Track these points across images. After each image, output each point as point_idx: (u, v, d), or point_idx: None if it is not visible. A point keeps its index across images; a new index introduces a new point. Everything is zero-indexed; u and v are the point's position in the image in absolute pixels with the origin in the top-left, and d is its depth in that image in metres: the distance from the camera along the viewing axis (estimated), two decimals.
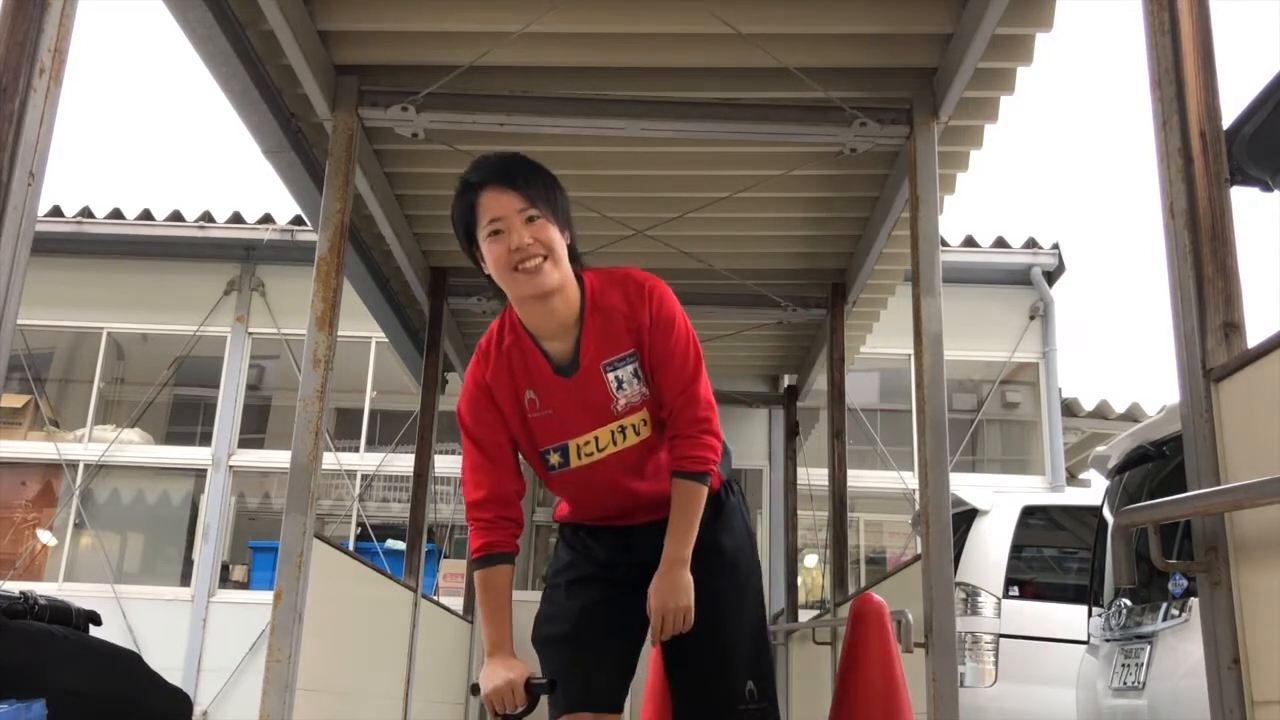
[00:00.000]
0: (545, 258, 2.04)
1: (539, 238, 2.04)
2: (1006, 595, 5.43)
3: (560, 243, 2.08)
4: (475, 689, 2.09)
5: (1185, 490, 1.71)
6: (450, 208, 2.14)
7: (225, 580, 8.96)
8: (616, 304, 2.12)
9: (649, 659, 2.49)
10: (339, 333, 3.74)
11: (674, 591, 2.08)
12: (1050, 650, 5.27)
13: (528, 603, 2.39)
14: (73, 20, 2.04)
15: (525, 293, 2.07)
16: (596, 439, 2.13)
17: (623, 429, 2.14)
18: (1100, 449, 4.65)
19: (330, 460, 7.75)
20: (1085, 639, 4.66)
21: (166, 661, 7.06)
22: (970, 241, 9.17)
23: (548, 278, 2.05)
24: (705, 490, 2.14)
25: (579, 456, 2.15)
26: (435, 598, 6.13)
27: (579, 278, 2.15)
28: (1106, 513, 4.56)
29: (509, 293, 2.12)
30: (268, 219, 9.27)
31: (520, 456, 2.22)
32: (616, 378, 2.12)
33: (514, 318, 2.16)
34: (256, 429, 9.70)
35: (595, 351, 2.11)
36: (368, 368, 9.17)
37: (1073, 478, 9.58)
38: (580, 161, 4.64)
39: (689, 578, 2.10)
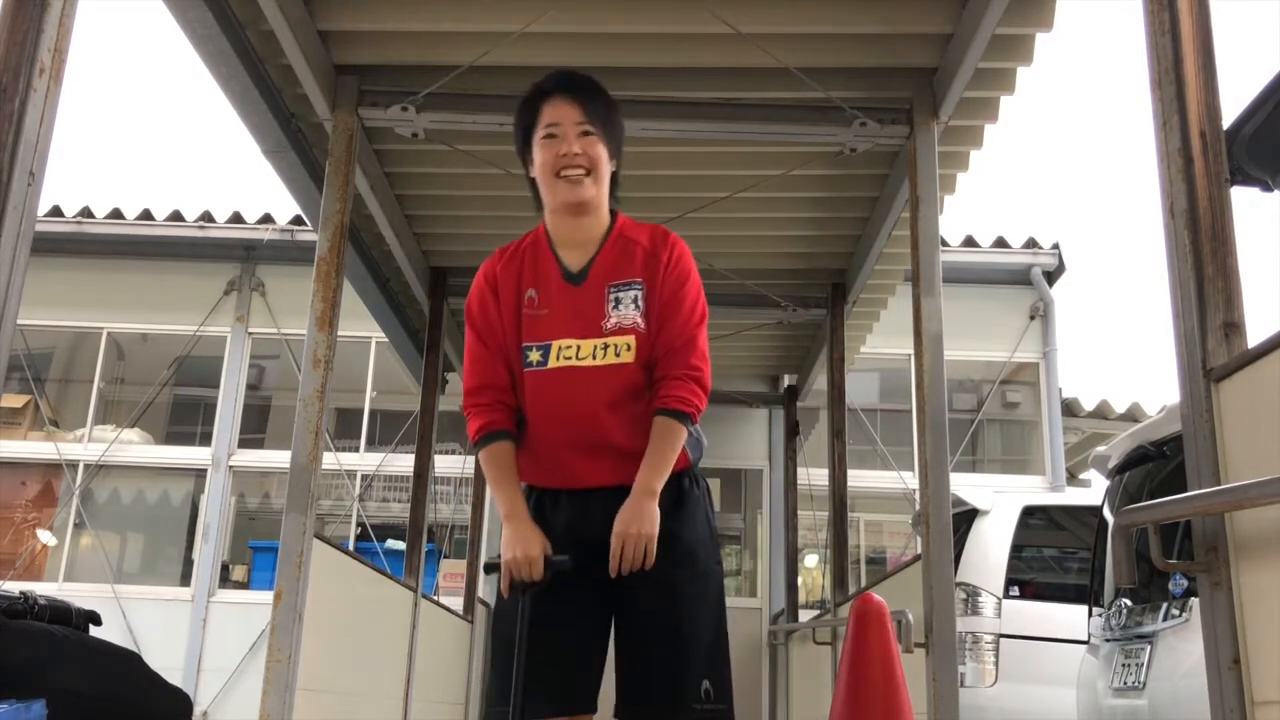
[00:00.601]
0: (588, 172, 2.19)
1: (587, 151, 2.19)
2: (1006, 595, 5.43)
3: (605, 163, 2.22)
4: (489, 567, 2.12)
5: (1185, 490, 1.71)
6: (514, 115, 2.30)
7: (225, 580, 8.96)
8: (640, 239, 2.25)
9: None
10: (339, 333, 3.74)
11: (638, 518, 2.06)
12: (1050, 650, 5.27)
13: None
14: (73, 20, 2.04)
15: (562, 198, 2.19)
16: (579, 347, 2.17)
17: (605, 346, 2.17)
18: (1100, 449, 4.65)
19: (330, 460, 7.75)
20: (1085, 639, 4.66)
21: (166, 661, 7.05)
22: (970, 241, 9.17)
23: (585, 190, 2.19)
24: (684, 433, 2.15)
25: (558, 358, 2.17)
26: (435, 598, 6.13)
27: (613, 212, 2.29)
28: (1106, 513, 4.56)
29: (546, 198, 2.24)
30: (268, 219, 9.27)
31: None
32: (616, 298, 2.20)
33: (541, 228, 2.29)
34: (256, 429, 9.69)
35: (606, 271, 2.21)
36: (368, 368, 9.17)
37: (1073, 478, 9.58)
38: None
39: (655, 509, 2.08)
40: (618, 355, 2.16)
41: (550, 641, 2.07)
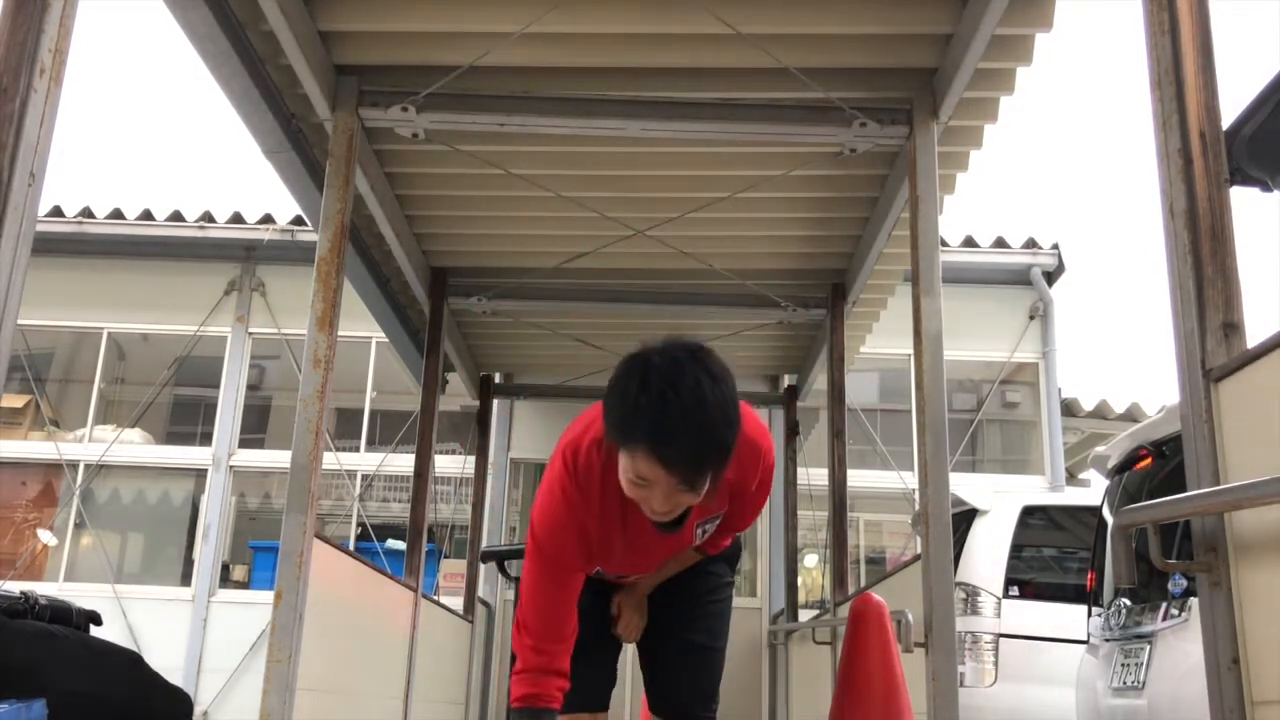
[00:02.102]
0: (676, 509, 1.91)
1: (682, 503, 1.87)
2: (1006, 595, 5.43)
3: (703, 494, 1.86)
4: (485, 556, 2.29)
5: (1185, 490, 1.72)
6: (610, 387, 1.85)
7: (225, 580, 8.96)
8: (728, 475, 1.97)
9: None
10: (339, 333, 3.74)
11: (640, 608, 2.30)
12: (1050, 650, 5.27)
13: None
14: (73, 20, 2.04)
15: (647, 516, 1.93)
16: (661, 567, 2.30)
17: (679, 558, 2.30)
18: (1100, 449, 4.65)
19: (330, 460, 7.75)
20: (1085, 639, 4.66)
21: (166, 661, 7.06)
22: (970, 241, 9.17)
23: (671, 518, 1.93)
24: (699, 559, 2.34)
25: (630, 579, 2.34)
26: (435, 598, 6.13)
27: None
28: (1106, 513, 4.56)
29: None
30: (268, 219, 9.27)
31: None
32: (703, 530, 2.17)
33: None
34: (257, 429, 9.69)
35: (695, 515, 2.06)
36: (368, 368, 9.17)
37: (1072, 478, 9.58)
38: (580, 161, 4.64)
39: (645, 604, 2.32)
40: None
41: (586, 651, 2.20)
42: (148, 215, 9.33)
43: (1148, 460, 4.13)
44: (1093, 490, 7.10)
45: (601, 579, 2.31)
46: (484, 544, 7.04)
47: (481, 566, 6.77)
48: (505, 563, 3.98)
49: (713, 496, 1.92)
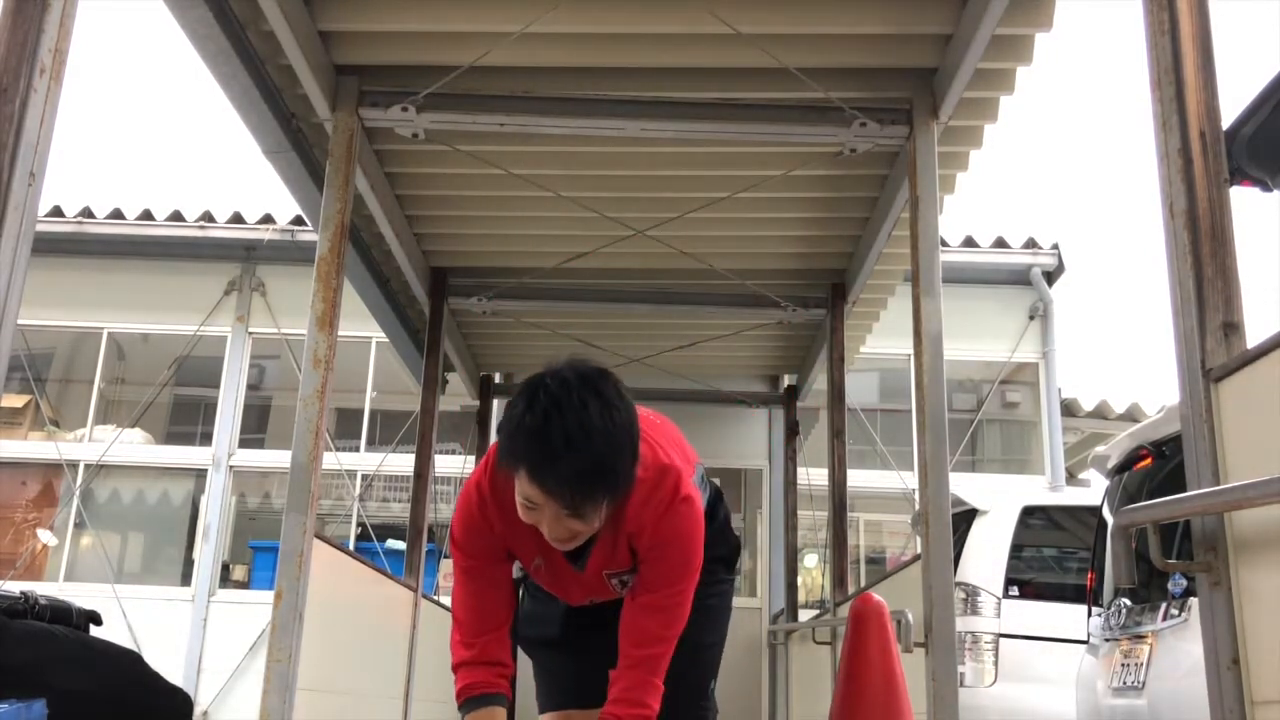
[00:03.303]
0: (574, 537, 1.87)
1: (573, 528, 1.83)
2: (1006, 595, 5.43)
3: (598, 521, 1.84)
4: None
5: (1185, 490, 1.72)
6: (506, 409, 1.87)
7: (225, 580, 8.97)
8: (628, 523, 1.96)
9: None
10: (339, 333, 3.74)
11: None
12: (1050, 650, 5.27)
13: None
14: (73, 20, 2.04)
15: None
16: (591, 601, 2.20)
17: (611, 600, 2.18)
18: (1100, 449, 4.65)
19: (330, 460, 7.75)
20: (1085, 639, 4.66)
21: (166, 661, 7.05)
22: (970, 241, 9.17)
23: (570, 547, 1.91)
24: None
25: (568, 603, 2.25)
26: (435, 598, 6.13)
27: None
28: (1106, 513, 4.56)
29: None
30: (268, 219, 9.28)
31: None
32: (620, 581, 2.09)
33: None
34: (257, 429, 9.70)
35: (600, 563, 2.05)
36: (368, 368, 9.17)
37: (1072, 478, 9.58)
38: (580, 161, 4.64)
39: None
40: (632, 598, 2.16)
41: (583, 647, 2.22)
42: (148, 215, 9.33)
43: (1148, 460, 4.13)
44: (1093, 490, 7.09)
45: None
46: None
47: None
48: None
49: (613, 543, 1.95)
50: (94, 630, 2.92)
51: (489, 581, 2.05)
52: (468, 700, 2.00)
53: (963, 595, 5.40)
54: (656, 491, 1.94)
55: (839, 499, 5.67)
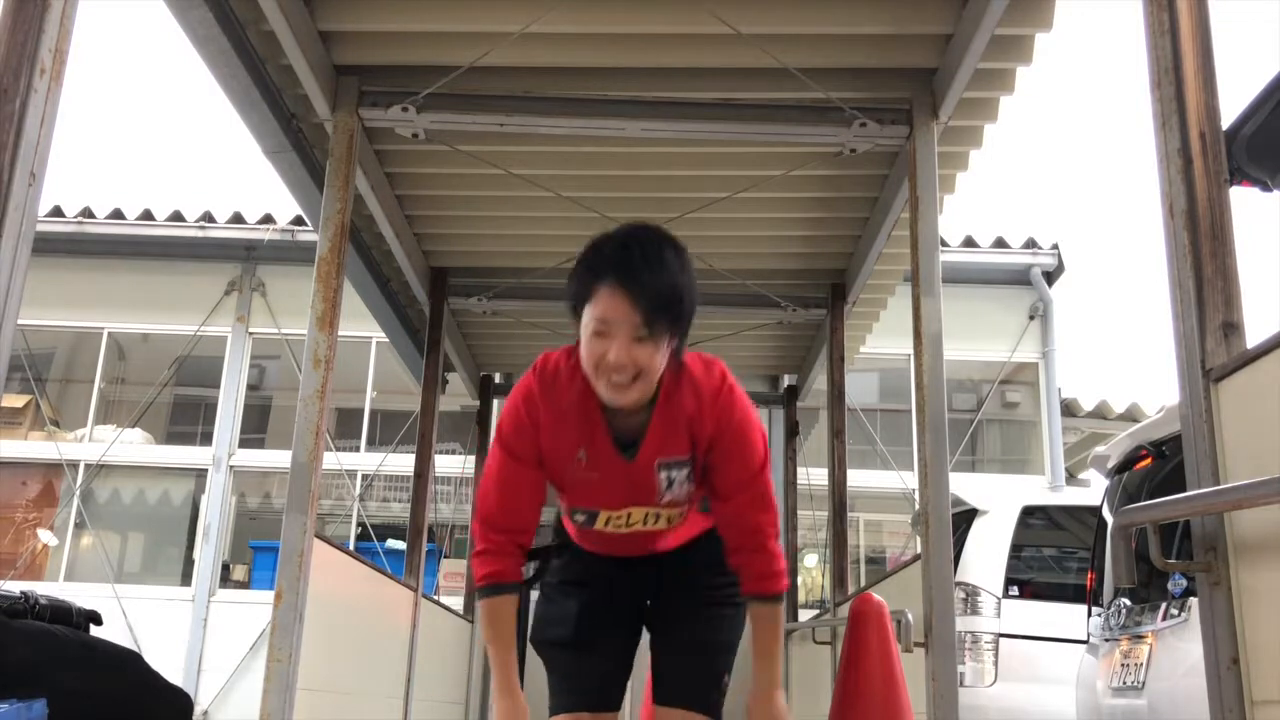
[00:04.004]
0: (636, 378, 1.91)
1: (638, 360, 1.88)
2: (1006, 595, 5.43)
3: (660, 362, 1.92)
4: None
5: (1184, 490, 1.72)
6: (573, 267, 1.97)
7: (225, 580, 8.97)
8: (686, 404, 2.01)
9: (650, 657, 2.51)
10: (339, 333, 3.74)
11: (774, 713, 2.12)
12: (1050, 650, 5.27)
13: None
14: (73, 20, 2.04)
15: (603, 398, 1.96)
16: (629, 515, 2.10)
17: (658, 515, 2.11)
18: (1100, 449, 4.65)
19: (330, 460, 7.75)
20: (1085, 639, 4.66)
21: (166, 661, 7.06)
22: (970, 241, 9.17)
23: (628, 396, 1.93)
24: (784, 609, 2.17)
25: (606, 524, 2.12)
26: (435, 598, 6.13)
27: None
28: (1106, 513, 4.56)
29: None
30: (268, 219, 9.28)
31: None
32: (669, 477, 2.05)
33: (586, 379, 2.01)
34: (257, 429, 9.70)
35: (655, 448, 2.03)
36: (368, 368, 9.17)
37: (1072, 478, 9.58)
38: (580, 161, 4.64)
39: (783, 703, 2.15)
40: (669, 523, 2.14)
41: (599, 649, 2.20)
42: (148, 215, 9.34)
43: (1148, 460, 4.13)
44: (1093, 490, 7.10)
45: (609, 553, 2.24)
46: None
47: None
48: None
49: (668, 428, 1.99)
50: (94, 630, 2.92)
51: (524, 483, 2.07)
52: (488, 587, 2.07)
53: (963, 595, 5.40)
54: (709, 376, 2.03)
55: (839, 499, 5.67)
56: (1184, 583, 3.53)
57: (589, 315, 1.90)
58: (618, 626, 2.26)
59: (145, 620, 8.51)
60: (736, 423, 2.02)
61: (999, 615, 5.39)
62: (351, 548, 8.04)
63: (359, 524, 9.02)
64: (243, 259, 9.31)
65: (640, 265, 1.88)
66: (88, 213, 9.28)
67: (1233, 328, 1.71)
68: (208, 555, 8.79)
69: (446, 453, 9.08)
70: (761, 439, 2.07)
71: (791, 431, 7.31)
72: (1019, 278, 9.18)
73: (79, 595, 3.62)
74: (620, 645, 2.25)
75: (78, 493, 8.99)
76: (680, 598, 2.25)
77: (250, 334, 9.25)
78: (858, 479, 7.03)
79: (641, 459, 2.02)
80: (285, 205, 9.13)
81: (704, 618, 2.22)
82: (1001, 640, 5.34)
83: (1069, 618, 5.24)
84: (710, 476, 2.06)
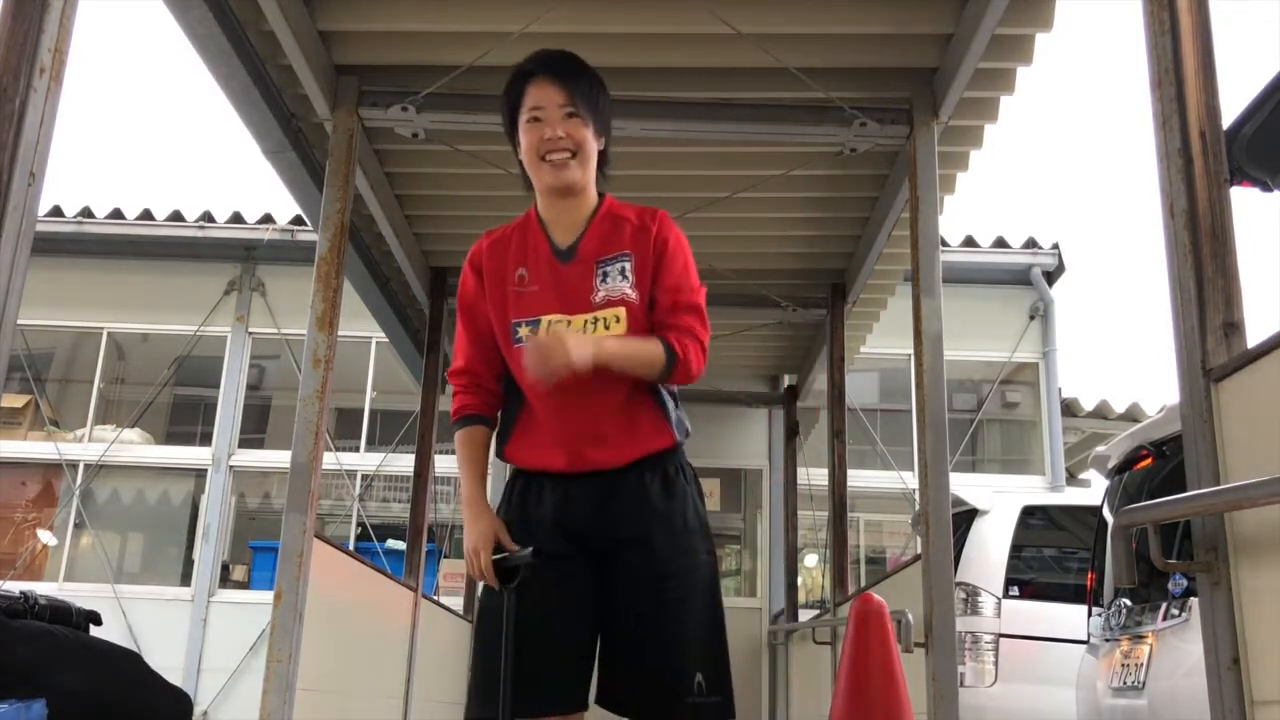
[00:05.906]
0: (573, 154, 2.16)
1: (572, 134, 2.15)
2: (1006, 595, 5.43)
3: (592, 145, 2.19)
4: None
5: (1185, 490, 1.71)
6: (500, 99, 2.25)
7: (225, 580, 8.97)
8: (629, 216, 2.24)
9: None
10: (339, 333, 3.74)
11: (573, 341, 1.99)
12: (1050, 650, 5.27)
13: None
14: (73, 20, 2.04)
15: (548, 183, 2.18)
16: (568, 322, 2.13)
17: (595, 320, 2.13)
18: (1100, 449, 4.65)
19: (330, 460, 7.75)
20: (1085, 639, 4.66)
21: (166, 661, 7.06)
22: (970, 241, 9.17)
23: (571, 173, 2.16)
24: (661, 361, 2.10)
25: (548, 331, 2.11)
26: (435, 598, 6.13)
27: (601, 193, 2.27)
28: (1106, 513, 4.56)
29: (534, 181, 2.23)
30: (268, 219, 9.28)
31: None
32: (604, 272, 2.17)
33: (532, 209, 2.29)
34: (257, 429, 9.69)
35: (595, 247, 2.19)
36: (368, 368, 9.17)
37: (1072, 478, 9.58)
38: None
39: (589, 354, 1.99)
40: (607, 328, 2.12)
41: (539, 640, 2.01)
42: (148, 215, 9.33)
43: (1148, 460, 4.12)
44: (1093, 490, 7.10)
45: (557, 442, 2.12)
46: None
47: None
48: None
49: (609, 228, 2.19)
50: (94, 630, 2.92)
51: (481, 329, 2.24)
52: (460, 419, 2.24)
53: (963, 595, 5.40)
54: (648, 207, 2.29)
55: (839, 499, 5.67)
56: (1184, 583, 3.53)
57: (523, 113, 2.17)
58: (570, 621, 2.07)
59: (145, 620, 8.51)
60: (675, 237, 2.23)
61: (999, 615, 5.38)
62: (351, 548, 8.04)
63: (359, 524, 9.02)
64: (242, 259, 9.31)
65: (559, 58, 2.20)
66: (87, 213, 9.28)
67: (1233, 328, 1.71)
68: (207, 555, 8.79)
69: (446, 453, 9.07)
70: (694, 268, 2.26)
71: (791, 431, 7.31)
72: (1019, 277, 9.18)
73: (78, 595, 3.62)
74: (577, 642, 2.07)
75: (77, 493, 8.98)
76: (634, 580, 2.06)
77: (250, 334, 9.25)
78: (858, 479, 7.03)
79: (580, 257, 2.18)
80: (285, 205, 9.13)
81: (660, 595, 2.04)
82: (1002, 640, 5.34)
83: (1069, 618, 5.23)
84: (653, 290, 2.18)
